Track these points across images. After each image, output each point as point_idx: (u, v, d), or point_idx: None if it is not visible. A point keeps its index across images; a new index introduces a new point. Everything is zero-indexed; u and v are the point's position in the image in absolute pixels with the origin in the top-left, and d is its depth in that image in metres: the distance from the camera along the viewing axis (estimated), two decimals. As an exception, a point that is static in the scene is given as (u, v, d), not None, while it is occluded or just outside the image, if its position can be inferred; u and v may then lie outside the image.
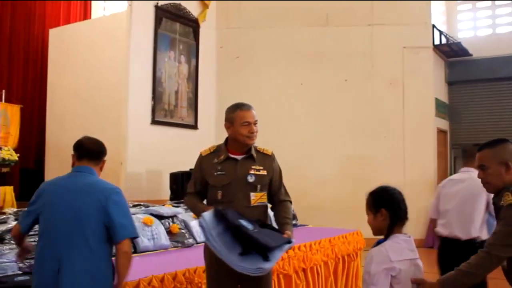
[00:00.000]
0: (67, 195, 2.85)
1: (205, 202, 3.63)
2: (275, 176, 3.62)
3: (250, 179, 3.46)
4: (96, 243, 2.80)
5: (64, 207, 2.82)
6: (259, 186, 3.49)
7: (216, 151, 3.57)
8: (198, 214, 3.40)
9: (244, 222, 3.13)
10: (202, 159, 3.59)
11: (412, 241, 2.79)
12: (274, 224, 3.59)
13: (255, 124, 3.49)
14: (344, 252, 6.18)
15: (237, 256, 2.99)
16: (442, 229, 4.87)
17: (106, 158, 3.13)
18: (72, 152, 3.12)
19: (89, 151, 3.04)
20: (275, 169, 3.63)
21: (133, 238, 3.02)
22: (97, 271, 2.80)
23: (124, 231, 2.87)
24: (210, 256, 3.45)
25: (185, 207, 3.67)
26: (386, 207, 2.77)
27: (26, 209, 3.05)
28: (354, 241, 6.46)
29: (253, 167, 3.49)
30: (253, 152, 3.55)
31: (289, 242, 3.29)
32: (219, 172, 3.46)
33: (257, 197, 3.47)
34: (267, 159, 3.61)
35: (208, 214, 3.10)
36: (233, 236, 3.03)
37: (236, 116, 3.47)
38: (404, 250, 2.71)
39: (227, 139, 3.59)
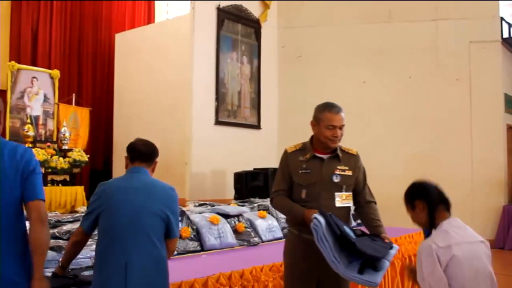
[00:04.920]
0: (129, 194, 2.97)
1: None
2: (360, 176, 3.55)
3: (336, 179, 3.40)
4: (158, 237, 2.94)
5: (128, 205, 2.93)
6: (344, 187, 3.42)
7: (301, 149, 3.52)
8: (295, 216, 3.37)
9: (347, 229, 3.09)
10: (287, 156, 3.53)
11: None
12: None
13: (340, 128, 3.41)
14: (411, 252, 6.07)
15: (346, 264, 2.97)
16: None
17: (157, 159, 3.24)
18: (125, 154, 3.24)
19: (141, 153, 3.14)
20: (360, 169, 3.55)
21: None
22: (161, 263, 2.93)
23: (177, 230, 3.06)
24: (291, 254, 3.49)
25: (275, 207, 3.62)
26: (419, 198, 2.87)
27: (85, 211, 3.15)
28: (420, 240, 6.33)
29: (338, 167, 3.43)
30: (338, 151, 3.48)
31: (391, 247, 3.22)
32: (304, 171, 3.42)
33: (342, 198, 3.41)
34: (352, 158, 3.53)
35: (320, 217, 3.06)
36: (340, 244, 3.00)
37: (324, 117, 3.41)
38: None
39: (312, 137, 3.54)
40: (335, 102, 3.56)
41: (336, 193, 3.39)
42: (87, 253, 3.79)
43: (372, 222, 3.48)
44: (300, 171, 3.43)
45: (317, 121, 3.45)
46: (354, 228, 3.27)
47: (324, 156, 3.45)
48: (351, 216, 3.61)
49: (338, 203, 3.39)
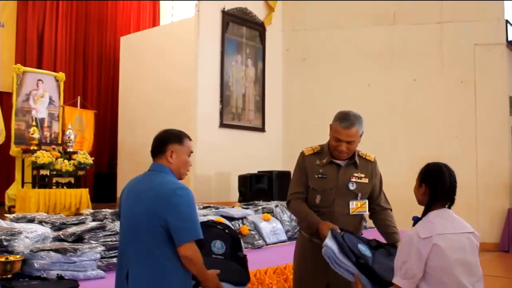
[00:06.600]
0: (131, 199, 2.82)
1: None
2: (376, 182, 3.49)
3: (352, 186, 3.34)
4: (160, 247, 2.68)
5: (128, 211, 2.80)
6: (360, 194, 3.36)
7: (319, 152, 3.44)
8: (310, 225, 3.31)
9: (362, 247, 2.98)
10: (304, 159, 3.45)
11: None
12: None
13: (348, 143, 3.29)
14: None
15: (366, 281, 2.85)
16: None
17: (173, 147, 2.86)
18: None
19: (152, 148, 2.93)
20: (376, 175, 3.49)
21: (197, 241, 2.72)
22: (163, 274, 2.68)
23: (182, 235, 2.67)
24: (301, 257, 3.48)
25: (291, 211, 3.60)
26: (428, 183, 2.76)
27: None
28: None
29: (355, 174, 3.37)
30: (356, 158, 3.41)
31: None
32: (320, 176, 3.36)
33: (357, 206, 3.35)
34: (370, 165, 3.47)
35: (331, 242, 2.92)
36: (359, 269, 2.86)
37: (334, 126, 3.33)
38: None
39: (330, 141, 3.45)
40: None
41: (351, 201, 3.34)
42: (92, 255, 3.79)
43: (387, 229, 3.41)
44: (316, 176, 3.37)
45: (330, 128, 3.38)
46: (369, 240, 3.15)
47: (342, 162, 3.39)
48: (362, 223, 3.52)
49: (352, 211, 3.34)
